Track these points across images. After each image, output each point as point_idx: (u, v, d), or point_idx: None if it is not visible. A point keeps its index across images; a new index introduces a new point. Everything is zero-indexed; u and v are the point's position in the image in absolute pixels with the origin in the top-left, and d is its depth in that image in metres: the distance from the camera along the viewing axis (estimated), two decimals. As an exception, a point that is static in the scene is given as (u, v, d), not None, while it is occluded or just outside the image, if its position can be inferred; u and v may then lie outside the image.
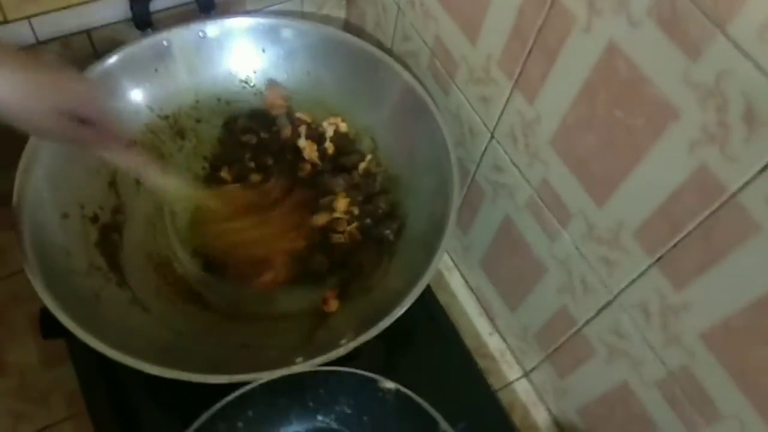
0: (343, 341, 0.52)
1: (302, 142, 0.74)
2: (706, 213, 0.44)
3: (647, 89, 0.44)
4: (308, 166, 0.74)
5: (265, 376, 0.49)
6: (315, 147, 0.74)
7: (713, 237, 0.44)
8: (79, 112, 0.50)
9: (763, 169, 0.39)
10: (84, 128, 0.52)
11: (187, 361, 0.51)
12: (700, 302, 0.47)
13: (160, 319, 0.61)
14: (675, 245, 0.47)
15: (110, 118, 0.55)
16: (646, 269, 0.51)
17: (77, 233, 0.62)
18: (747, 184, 0.40)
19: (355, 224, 0.71)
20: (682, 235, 0.46)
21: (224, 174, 0.74)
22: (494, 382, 0.76)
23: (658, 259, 0.49)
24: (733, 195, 0.41)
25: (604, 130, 0.49)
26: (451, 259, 0.84)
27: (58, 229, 0.60)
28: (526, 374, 0.77)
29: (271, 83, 0.76)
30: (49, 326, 0.57)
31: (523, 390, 0.76)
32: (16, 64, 0.47)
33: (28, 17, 0.64)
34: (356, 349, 0.51)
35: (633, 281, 0.53)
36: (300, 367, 0.49)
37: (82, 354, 0.61)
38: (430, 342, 0.71)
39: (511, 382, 0.77)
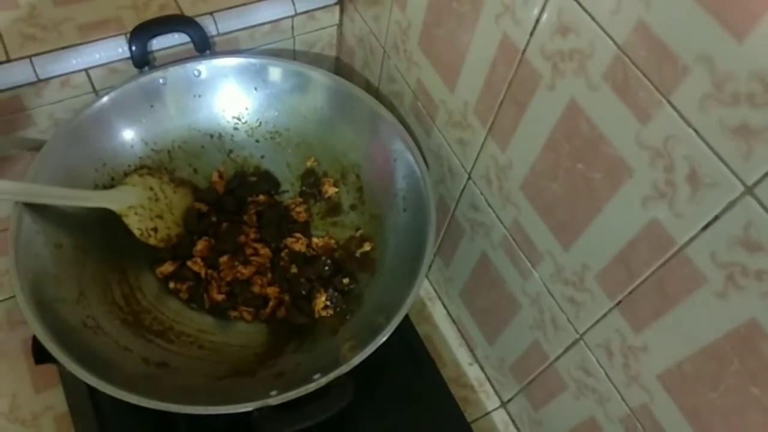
0: (316, 376, 0.53)
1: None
2: (659, 263, 0.46)
3: (605, 147, 0.47)
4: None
5: (240, 408, 0.51)
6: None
7: (666, 285, 0.46)
8: None
9: (706, 227, 0.41)
10: None
11: (166, 391, 0.53)
12: (657, 345, 0.50)
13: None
14: (632, 291, 0.50)
15: None
16: (608, 312, 0.53)
17: (69, 262, 0.64)
18: (693, 239, 0.43)
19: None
20: (638, 281, 0.49)
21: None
22: (473, 411, 0.79)
23: (618, 303, 0.52)
24: (682, 248, 0.44)
25: (567, 180, 0.52)
26: (434, 289, 0.86)
27: (50, 259, 0.62)
28: (503, 404, 0.79)
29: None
30: (40, 352, 0.58)
31: (500, 420, 0.78)
32: None
33: (29, 56, 0.67)
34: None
35: (597, 322, 0.55)
36: (275, 399, 0.52)
37: (71, 379, 0.63)
38: (407, 373, 0.73)
39: (489, 412, 0.79)
